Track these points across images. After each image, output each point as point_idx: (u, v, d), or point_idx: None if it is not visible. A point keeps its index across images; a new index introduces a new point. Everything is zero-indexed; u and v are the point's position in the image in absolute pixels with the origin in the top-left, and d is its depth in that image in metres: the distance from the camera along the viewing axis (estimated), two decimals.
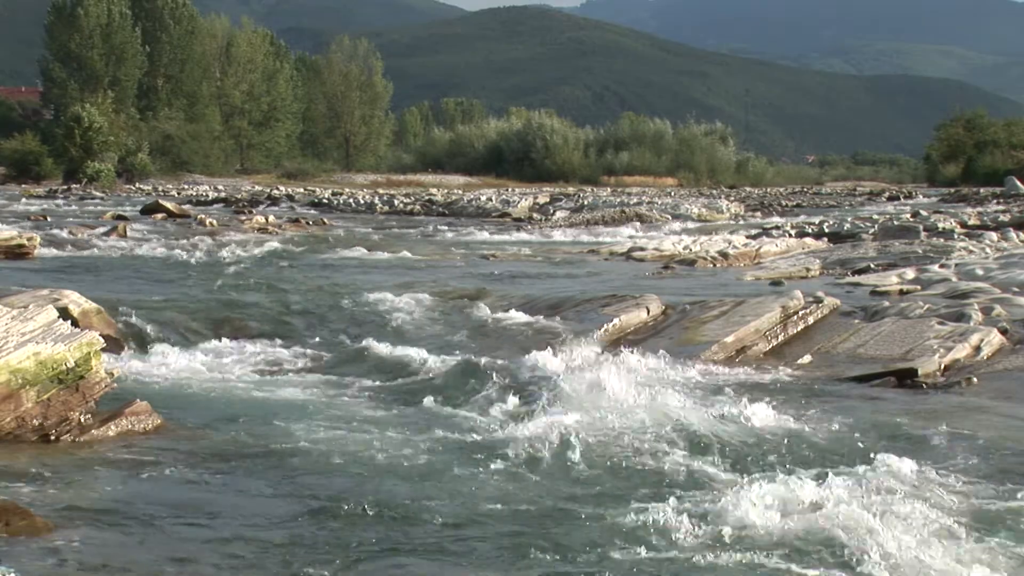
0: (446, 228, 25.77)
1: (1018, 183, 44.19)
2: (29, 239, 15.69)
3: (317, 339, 9.04)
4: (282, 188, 54.68)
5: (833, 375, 7.93)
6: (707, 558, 4.04)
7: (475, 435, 5.95)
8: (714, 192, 58.71)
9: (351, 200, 40.29)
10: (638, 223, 27.73)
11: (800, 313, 9.52)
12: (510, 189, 59.71)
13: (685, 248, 17.63)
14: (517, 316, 10.05)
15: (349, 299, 10.73)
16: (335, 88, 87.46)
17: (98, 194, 45.07)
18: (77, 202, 37.18)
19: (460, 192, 51.15)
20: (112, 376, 6.26)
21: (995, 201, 38.06)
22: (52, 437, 5.76)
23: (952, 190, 53.13)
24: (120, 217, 25.64)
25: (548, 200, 39.55)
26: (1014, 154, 66.38)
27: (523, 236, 23.50)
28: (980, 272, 12.82)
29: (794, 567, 3.98)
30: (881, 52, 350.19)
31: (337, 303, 10.63)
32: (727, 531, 4.29)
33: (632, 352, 8.36)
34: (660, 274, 14.31)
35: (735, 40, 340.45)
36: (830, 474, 4.96)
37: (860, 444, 5.75)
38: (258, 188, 55.29)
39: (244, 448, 5.65)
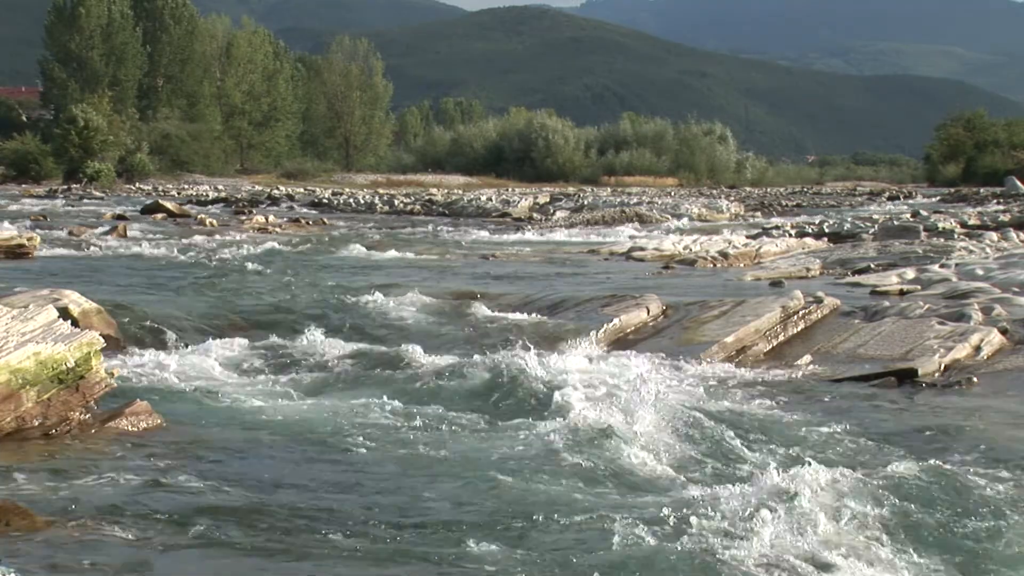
0: (446, 228, 25.77)
1: (1018, 183, 44.24)
2: (29, 239, 15.69)
3: (317, 339, 9.02)
4: (282, 188, 54.69)
5: (833, 375, 7.93)
6: (700, 555, 4.05)
7: (473, 434, 5.95)
8: (714, 192, 58.70)
9: (351, 200, 40.31)
10: (638, 223, 27.73)
11: (800, 313, 9.52)
12: (510, 189, 59.71)
13: (685, 248, 17.63)
14: (517, 316, 10.05)
15: (349, 299, 10.73)
16: (335, 88, 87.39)
17: (98, 194, 45.06)
18: (77, 202, 37.18)
19: (460, 192, 51.15)
20: (112, 376, 6.26)
21: (995, 201, 38.08)
22: (52, 437, 5.75)
23: (952, 190, 53.12)
24: (120, 217, 25.66)
25: (548, 200, 39.56)
26: (1014, 154, 66.41)
27: (523, 236, 23.50)
28: (980, 272, 12.83)
29: (791, 568, 3.99)
30: (881, 52, 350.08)
31: (337, 303, 10.62)
32: (723, 528, 4.29)
33: (632, 352, 8.37)
34: (660, 274, 14.31)
35: (735, 40, 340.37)
36: (827, 473, 4.96)
37: (860, 444, 5.75)
38: (258, 188, 55.30)
39: (243, 447, 5.66)
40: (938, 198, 46.37)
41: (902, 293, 11.38)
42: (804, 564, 4.00)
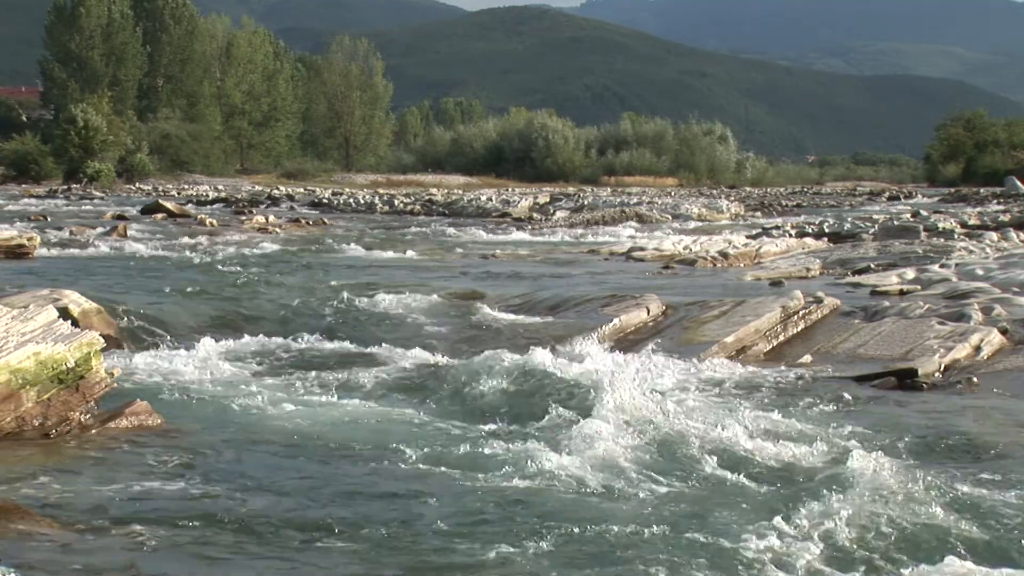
0: (446, 228, 25.75)
1: (1018, 183, 44.26)
2: (29, 239, 15.69)
3: (316, 339, 9.03)
4: (282, 188, 54.68)
5: (833, 375, 7.93)
6: (697, 556, 4.05)
7: (472, 435, 5.94)
8: (714, 192, 58.70)
9: (351, 200, 40.29)
10: (638, 223, 27.72)
11: (800, 313, 9.52)
12: (510, 189, 59.71)
13: (685, 248, 17.63)
14: (517, 316, 10.05)
15: (349, 299, 10.72)
16: (335, 88, 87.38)
17: (98, 194, 45.06)
18: (77, 202, 37.18)
19: (460, 192, 51.12)
20: (112, 376, 6.26)
21: (995, 201, 38.10)
22: (52, 437, 5.76)
23: (952, 190, 53.12)
24: (120, 217, 25.65)
25: (548, 200, 39.53)
26: (1014, 154, 66.43)
27: (523, 236, 23.49)
28: (980, 272, 12.82)
29: (789, 569, 3.99)
30: (881, 52, 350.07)
31: (337, 303, 10.62)
32: (719, 532, 4.30)
33: (632, 352, 8.37)
34: (660, 274, 14.31)
35: (735, 40, 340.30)
36: (828, 474, 4.97)
37: (859, 444, 5.74)
38: (258, 188, 55.30)
39: (243, 447, 5.65)
40: (938, 198, 46.37)
41: (902, 293, 11.38)
42: (805, 565, 4.00)
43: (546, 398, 6.64)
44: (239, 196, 42.30)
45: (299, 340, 8.94)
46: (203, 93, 78.39)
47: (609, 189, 61.50)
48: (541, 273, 14.51)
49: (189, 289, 11.80)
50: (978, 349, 8.35)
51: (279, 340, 8.86)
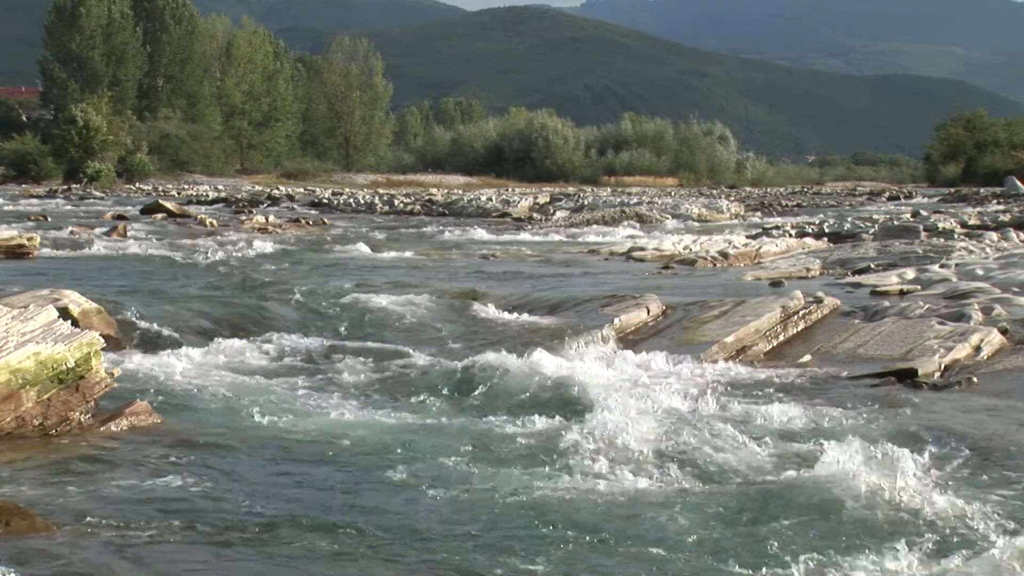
0: (446, 228, 25.75)
1: (1018, 183, 44.29)
2: (29, 239, 15.69)
3: (316, 339, 9.03)
4: (282, 188, 54.69)
5: (833, 375, 7.93)
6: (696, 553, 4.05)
7: (472, 437, 5.94)
8: (714, 192, 58.71)
9: (351, 200, 40.28)
10: (638, 223, 27.71)
11: (800, 313, 9.52)
12: (510, 189, 59.72)
13: (685, 248, 17.63)
14: (517, 316, 10.04)
15: (349, 299, 10.72)
16: (335, 88, 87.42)
17: (98, 194, 45.08)
18: (77, 202, 37.19)
19: (460, 192, 51.13)
20: (112, 376, 6.26)
21: (995, 201, 38.12)
22: (52, 437, 5.75)
23: (952, 190, 53.14)
24: (120, 217, 25.64)
25: (548, 200, 39.53)
26: (1014, 154, 66.47)
27: (523, 236, 23.49)
28: (980, 272, 12.82)
29: (787, 568, 3.99)
30: (881, 52, 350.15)
31: (337, 303, 10.62)
32: (724, 534, 4.30)
33: (632, 352, 8.37)
34: (660, 274, 14.31)
35: (735, 40, 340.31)
36: (829, 475, 4.97)
37: (860, 444, 5.74)
38: (258, 188, 55.31)
39: (243, 448, 5.65)
40: (938, 198, 46.37)
41: (902, 293, 11.38)
42: (806, 566, 4.01)
43: (546, 399, 6.64)
44: (239, 196, 42.30)
45: (298, 340, 8.93)
46: (203, 93, 78.43)
47: (609, 189, 61.51)
48: (541, 273, 14.51)
49: (189, 289, 11.80)
50: (978, 349, 8.35)
51: (279, 340, 8.85)
